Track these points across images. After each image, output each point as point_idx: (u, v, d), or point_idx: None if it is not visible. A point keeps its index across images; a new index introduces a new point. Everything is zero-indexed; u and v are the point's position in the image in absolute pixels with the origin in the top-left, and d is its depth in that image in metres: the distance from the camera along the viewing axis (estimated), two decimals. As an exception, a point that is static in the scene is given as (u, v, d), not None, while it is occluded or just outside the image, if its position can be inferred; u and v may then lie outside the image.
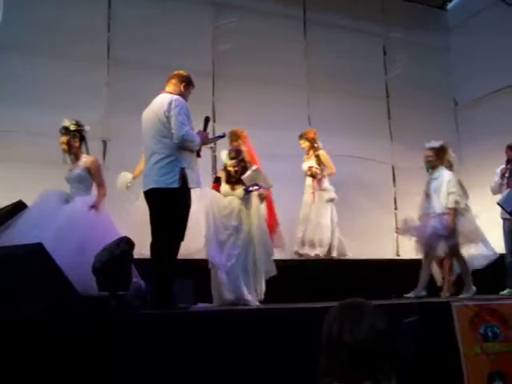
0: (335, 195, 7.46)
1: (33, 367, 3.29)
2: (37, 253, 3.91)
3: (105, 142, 7.82)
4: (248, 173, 5.71)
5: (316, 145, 7.51)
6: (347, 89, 9.30)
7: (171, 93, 4.88)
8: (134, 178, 6.49)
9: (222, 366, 3.81)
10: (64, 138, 5.45)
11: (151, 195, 4.72)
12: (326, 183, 7.48)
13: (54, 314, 3.63)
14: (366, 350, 1.84)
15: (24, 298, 3.64)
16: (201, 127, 5.00)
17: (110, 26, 8.08)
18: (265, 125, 7.96)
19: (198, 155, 4.93)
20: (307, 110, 9.10)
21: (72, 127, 5.46)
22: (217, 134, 5.16)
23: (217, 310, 4.85)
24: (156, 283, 4.48)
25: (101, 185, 5.39)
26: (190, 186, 4.67)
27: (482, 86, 9.54)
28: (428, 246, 6.11)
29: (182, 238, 4.66)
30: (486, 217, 6.94)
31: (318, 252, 7.23)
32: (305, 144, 7.51)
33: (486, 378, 4.82)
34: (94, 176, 5.39)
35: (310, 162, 7.48)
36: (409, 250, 6.80)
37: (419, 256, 6.25)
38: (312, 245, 7.28)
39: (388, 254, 8.88)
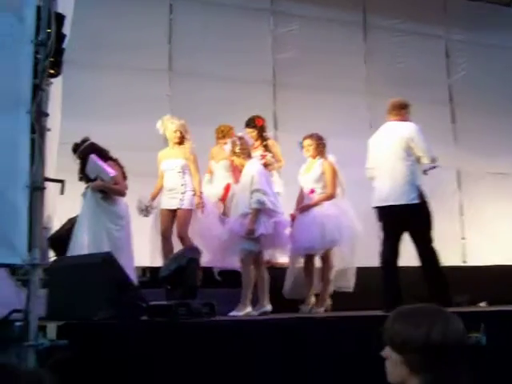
0: (282, 190, 6.52)
1: (103, 374, 3.36)
2: (106, 262, 4.03)
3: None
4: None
5: (264, 134, 6.69)
6: (409, 93, 9.05)
7: (402, 121, 5.49)
8: (153, 198, 6.18)
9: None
10: None
11: (392, 210, 5.29)
12: (276, 176, 6.55)
13: (122, 321, 3.71)
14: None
15: (95, 306, 3.75)
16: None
17: (171, 37, 8.21)
18: (326, 132, 7.92)
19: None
20: (369, 116, 8.99)
21: None
22: (432, 165, 5.69)
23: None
24: (434, 285, 5.24)
25: None
26: (427, 199, 5.37)
27: (552, 85, 9.24)
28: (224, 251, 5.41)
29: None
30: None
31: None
32: (253, 133, 6.50)
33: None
34: None
35: (258, 152, 6.31)
36: (477, 256, 6.57)
37: (490, 263, 5.99)
38: None
39: (454, 260, 8.66)
